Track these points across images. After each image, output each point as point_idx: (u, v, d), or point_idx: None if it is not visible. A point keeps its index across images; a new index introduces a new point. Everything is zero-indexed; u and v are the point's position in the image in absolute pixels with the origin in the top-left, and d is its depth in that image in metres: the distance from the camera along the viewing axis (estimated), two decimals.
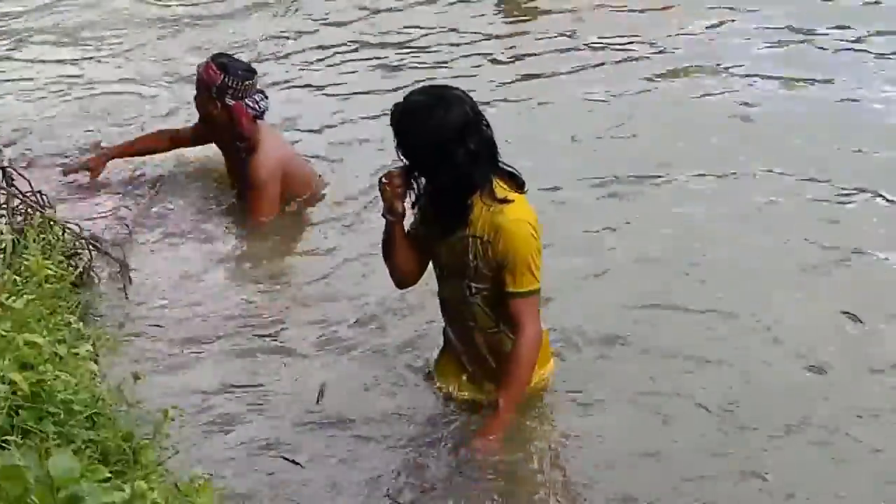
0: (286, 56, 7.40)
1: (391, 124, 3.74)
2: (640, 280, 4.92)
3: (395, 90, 6.03)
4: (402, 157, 3.75)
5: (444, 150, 3.62)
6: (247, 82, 5.27)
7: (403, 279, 4.05)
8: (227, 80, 5.23)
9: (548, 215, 4.50)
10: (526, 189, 3.81)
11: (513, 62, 7.30)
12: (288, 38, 7.67)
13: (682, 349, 4.47)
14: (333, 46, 7.50)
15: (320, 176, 5.76)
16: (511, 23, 7.99)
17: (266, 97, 5.38)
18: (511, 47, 7.53)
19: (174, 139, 5.79)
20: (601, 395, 4.23)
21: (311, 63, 7.30)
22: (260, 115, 5.33)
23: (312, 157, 5.93)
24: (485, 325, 3.90)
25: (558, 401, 4.18)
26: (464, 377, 4.07)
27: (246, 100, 5.26)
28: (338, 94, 6.86)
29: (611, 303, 4.77)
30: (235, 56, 5.63)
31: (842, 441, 4.00)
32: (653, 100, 6.67)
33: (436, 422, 4.10)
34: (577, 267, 4.97)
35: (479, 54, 7.34)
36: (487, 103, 5.51)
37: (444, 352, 4.15)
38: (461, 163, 3.63)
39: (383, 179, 3.78)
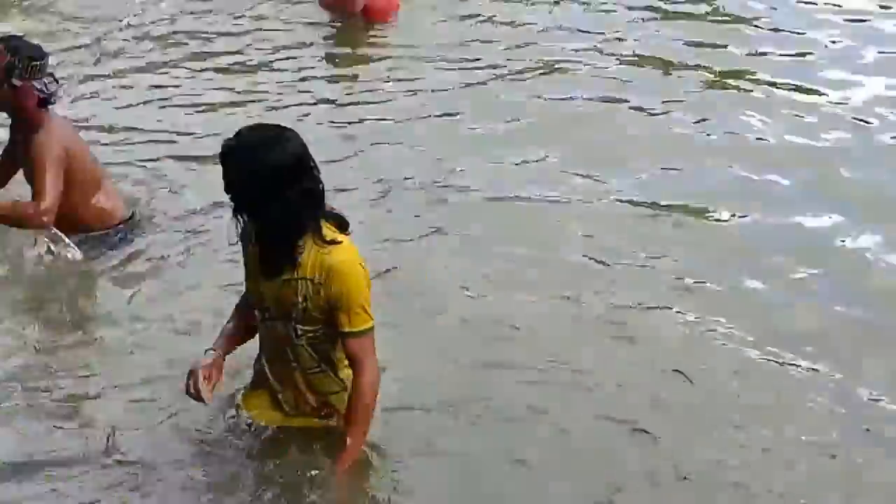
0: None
1: (220, 160, 3.66)
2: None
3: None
4: (229, 193, 3.67)
5: (274, 188, 3.59)
6: (34, 63, 5.11)
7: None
8: (14, 60, 5.08)
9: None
10: (350, 231, 3.80)
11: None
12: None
13: (505, 408, 4.43)
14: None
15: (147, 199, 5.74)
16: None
17: (57, 81, 5.23)
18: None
19: None
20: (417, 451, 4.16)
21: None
22: (48, 97, 5.16)
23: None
24: (307, 366, 3.86)
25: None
26: (278, 413, 3.98)
27: (33, 82, 5.09)
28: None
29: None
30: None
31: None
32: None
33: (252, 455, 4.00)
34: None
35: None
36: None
37: (256, 387, 4.04)
38: (291, 202, 3.60)
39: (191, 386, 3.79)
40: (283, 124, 3.83)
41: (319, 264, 3.67)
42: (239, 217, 3.71)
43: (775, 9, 8.95)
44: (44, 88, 5.12)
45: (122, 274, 5.31)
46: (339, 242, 3.70)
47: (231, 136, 3.68)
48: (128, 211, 5.58)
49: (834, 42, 8.37)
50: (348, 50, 8.17)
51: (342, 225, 3.79)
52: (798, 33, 8.52)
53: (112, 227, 5.46)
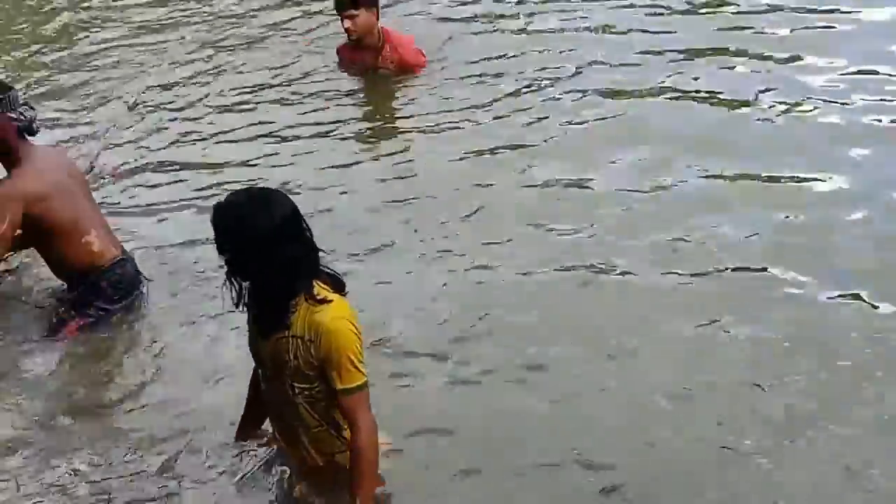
0: None
1: (212, 222, 3.71)
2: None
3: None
4: (221, 256, 3.73)
5: (264, 251, 3.63)
6: (9, 93, 5.01)
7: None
8: None
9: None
10: (346, 291, 3.83)
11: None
12: None
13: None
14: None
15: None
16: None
17: (32, 109, 5.14)
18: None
19: None
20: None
21: None
22: (27, 126, 5.04)
23: None
24: (309, 424, 3.89)
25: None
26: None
27: (9, 113, 4.98)
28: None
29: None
30: None
31: None
32: None
33: None
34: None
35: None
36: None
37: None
38: (281, 265, 3.65)
39: None
40: (273, 188, 3.91)
41: (309, 323, 3.70)
42: (233, 280, 3.77)
43: None
44: (20, 117, 5.00)
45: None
46: (330, 301, 3.72)
47: (221, 200, 3.73)
48: (118, 250, 5.34)
49: None
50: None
51: (337, 284, 3.82)
52: None
53: (101, 267, 5.24)
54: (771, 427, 4.36)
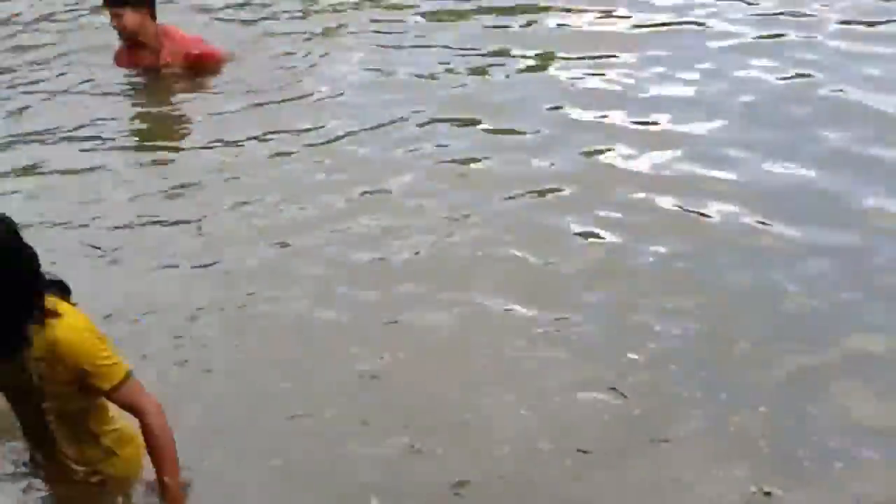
0: None
1: None
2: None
3: None
4: None
5: None
6: None
7: None
8: None
9: None
10: (70, 294, 3.71)
11: None
12: None
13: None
14: None
15: None
16: None
17: None
18: None
19: None
20: None
21: None
22: None
23: None
24: (66, 440, 3.81)
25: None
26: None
27: None
28: None
29: None
30: None
31: None
32: None
33: None
34: None
35: None
36: None
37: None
38: (10, 300, 3.52)
39: None
40: None
41: (47, 344, 3.59)
42: None
43: None
44: None
45: None
46: (59, 315, 3.60)
47: None
48: None
49: None
50: None
51: (63, 290, 3.71)
52: None
53: None
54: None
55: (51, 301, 3.62)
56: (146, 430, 3.72)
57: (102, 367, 3.63)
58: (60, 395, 3.69)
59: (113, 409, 3.84)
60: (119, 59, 7.76)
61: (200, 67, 7.58)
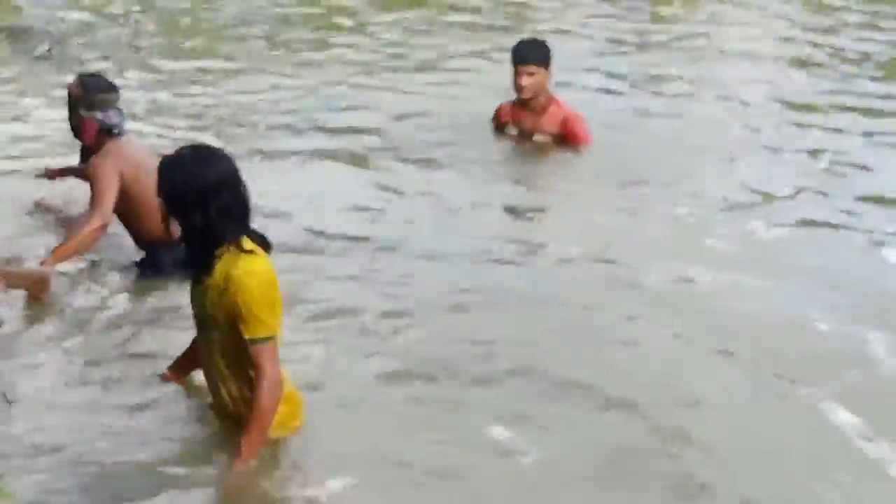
0: None
1: (158, 169, 4.07)
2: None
3: None
4: (162, 200, 4.04)
5: (197, 198, 3.92)
6: (100, 96, 5.60)
7: None
8: (81, 93, 5.62)
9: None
10: (270, 249, 4.06)
11: None
12: None
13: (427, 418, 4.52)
14: None
15: None
16: None
17: (122, 114, 5.68)
18: None
19: None
20: (352, 455, 4.25)
21: None
22: (109, 128, 5.62)
23: None
24: (225, 374, 4.09)
25: (305, 459, 4.22)
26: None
27: (97, 113, 5.59)
28: None
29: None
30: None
31: None
32: None
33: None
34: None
35: None
36: None
37: None
38: (211, 213, 3.92)
39: None
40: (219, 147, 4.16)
41: (224, 273, 3.92)
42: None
43: None
44: (105, 120, 5.61)
45: None
46: (250, 253, 3.93)
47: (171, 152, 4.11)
48: None
49: None
50: None
51: (265, 245, 4.05)
52: None
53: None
54: None
55: (248, 243, 3.97)
56: (256, 391, 3.94)
57: (251, 316, 3.89)
58: (224, 328, 3.97)
59: (284, 372, 4.06)
60: (501, 114, 7.49)
61: (569, 141, 7.28)
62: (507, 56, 7.31)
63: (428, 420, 4.48)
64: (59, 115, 6.34)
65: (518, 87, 7.18)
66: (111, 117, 5.63)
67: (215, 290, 3.95)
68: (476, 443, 4.34)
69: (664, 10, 11.52)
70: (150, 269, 5.64)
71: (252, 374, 3.99)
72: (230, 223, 3.96)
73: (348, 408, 4.52)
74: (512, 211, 6.67)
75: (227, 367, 4.06)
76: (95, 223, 5.48)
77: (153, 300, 5.40)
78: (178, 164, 4.00)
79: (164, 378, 4.55)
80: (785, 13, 11.45)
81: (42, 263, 5.42)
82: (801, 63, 9.65)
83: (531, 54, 7.12)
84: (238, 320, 3.92)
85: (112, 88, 5.72)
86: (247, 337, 3.93)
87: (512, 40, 7.57)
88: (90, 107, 5.61)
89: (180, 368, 4.51)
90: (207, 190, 3.91)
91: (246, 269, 3.90)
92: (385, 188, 6.79)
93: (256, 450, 4.00)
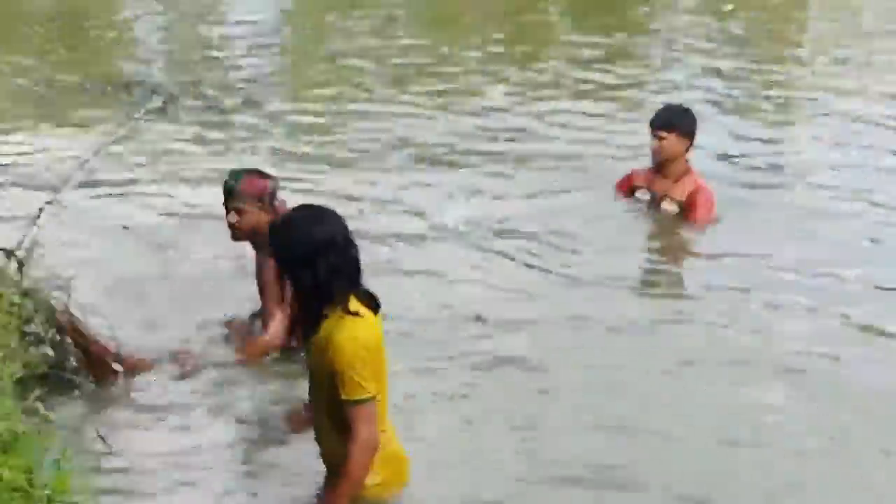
0: None
1: (269, 231, 4.27)
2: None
3: None
4: (276, 260, 4.29)
5: (306, 257, 4.03)
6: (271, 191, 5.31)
7: None
8: (270, 183, 5.32)
9: None
10: (378, 309, 4.12)
11: None
12: None
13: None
14: None
15: None
16: None
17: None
18: None
19: None
20: None
21: None
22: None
23: None
24: (327, 430, 4.14)
25: None
26: None
27: (266, 208, 5.28)
28: None
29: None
30: None
31: None
32: None
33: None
34: None
35: None
36: None
37: None
38: (319, 272, 4.01)
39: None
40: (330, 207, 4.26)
41: (327, 333, 4.01)
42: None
43: None
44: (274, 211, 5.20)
45: None
46: (357, 316, 4.01)
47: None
48: None
49: None
50: None
51: (373, 304, 4.12)
52: None
53: None
54: None
55: (356, 305, 4.04)
56: (349, 449, 4.01)
57: (347, 378, 3.97)
58: (326, 386, 4.04)
59: (389, 433, 4.16)
60: (634, 178, 7.30)
61: (687, 214, 7.06)
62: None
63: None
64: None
65: (651, 150, 7.10)
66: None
67: (318, 349, 4.04)
68: None
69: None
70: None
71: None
72: (338, 281, 4.05)
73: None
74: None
75: (329, 424, 4.13)
76: (273, 344, 5.31)
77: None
78: (289, 224, 4.13)
79: (287, 420, 4.72)
80: None
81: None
82: None
83: (663, 118, 7.03)
84: (336, 381, 4.00)
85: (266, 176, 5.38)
86: (343, 398, 4.01)
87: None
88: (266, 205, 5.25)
89: (299, 423, 4.62)
90: (316, 249, 4.02)
91: (347, 334, 3.98)
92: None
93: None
